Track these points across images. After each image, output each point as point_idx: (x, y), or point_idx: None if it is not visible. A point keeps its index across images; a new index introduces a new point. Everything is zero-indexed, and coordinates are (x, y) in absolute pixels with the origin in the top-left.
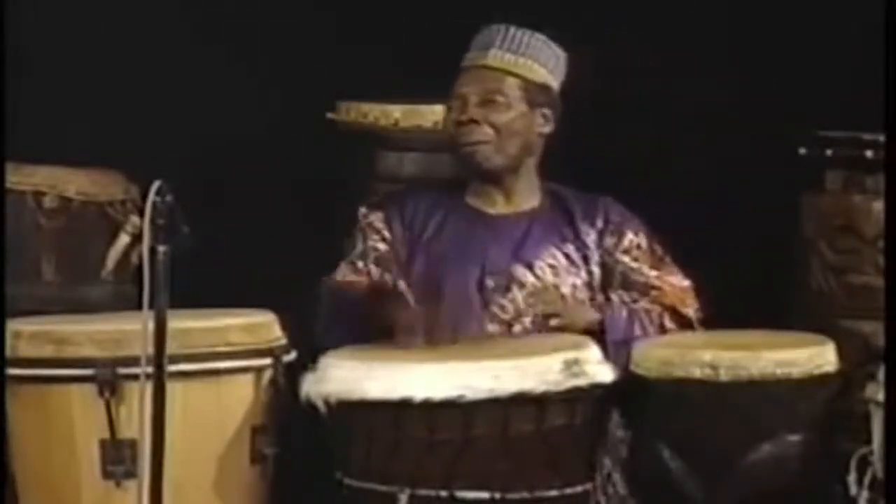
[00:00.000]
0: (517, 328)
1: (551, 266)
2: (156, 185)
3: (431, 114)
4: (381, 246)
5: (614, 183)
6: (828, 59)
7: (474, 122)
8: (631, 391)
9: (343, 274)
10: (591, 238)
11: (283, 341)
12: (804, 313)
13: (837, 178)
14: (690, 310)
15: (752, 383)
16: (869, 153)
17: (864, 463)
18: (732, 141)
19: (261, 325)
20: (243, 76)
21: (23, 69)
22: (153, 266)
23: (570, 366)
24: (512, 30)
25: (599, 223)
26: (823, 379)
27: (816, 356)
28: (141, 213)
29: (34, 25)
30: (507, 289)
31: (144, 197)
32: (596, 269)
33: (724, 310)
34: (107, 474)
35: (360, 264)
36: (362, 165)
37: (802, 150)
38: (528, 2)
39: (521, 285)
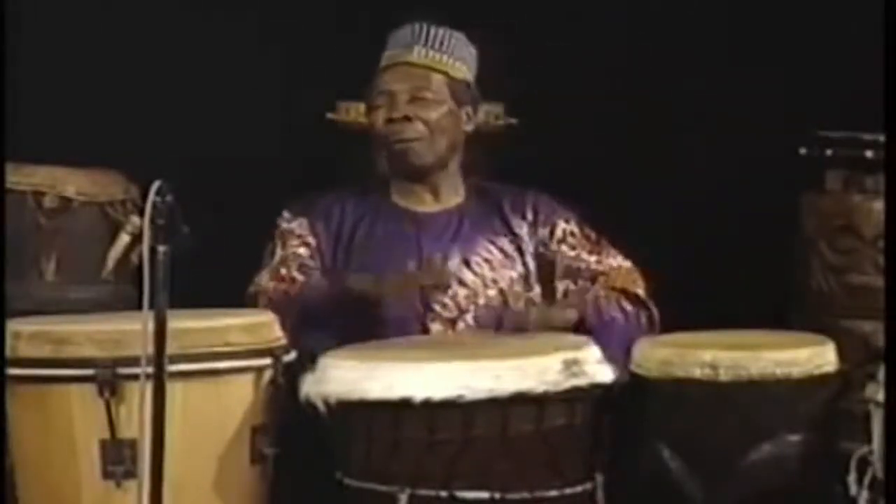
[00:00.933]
0: (461, 325)
1: (487, 261)
2: (156, 184)
3: None
4: (303, 251)
5: (613, 183)
6: (828, 58)
7: (407, 118)
8: (630, 391)
9: (266, 282)
10: (523, 230)
11: (283, 341)
12: (804, 313)
13: (837, 178)
14: (640, 289)
15: (752, 383)
16: (869, 153)
17: (864, 463)
18: (732, 141)
19: (261, 326)
20: (243, 75)
21: (22, 69)
22: (153, 266)
23: (570, 366)
24: (433, 28)
25: (529, 215)
26: (823, 379)
27: (816, 356)
28: (141, 213)
29: (33, 24)
30: (447, 286)
31: (144, 197)
32: (531, 261)
33: (725, 310)
34: (107, 474)
35: (283, 271)
36: (362, 166)
37: (802, 150)
38: (530, 2)
39: (461, 282)
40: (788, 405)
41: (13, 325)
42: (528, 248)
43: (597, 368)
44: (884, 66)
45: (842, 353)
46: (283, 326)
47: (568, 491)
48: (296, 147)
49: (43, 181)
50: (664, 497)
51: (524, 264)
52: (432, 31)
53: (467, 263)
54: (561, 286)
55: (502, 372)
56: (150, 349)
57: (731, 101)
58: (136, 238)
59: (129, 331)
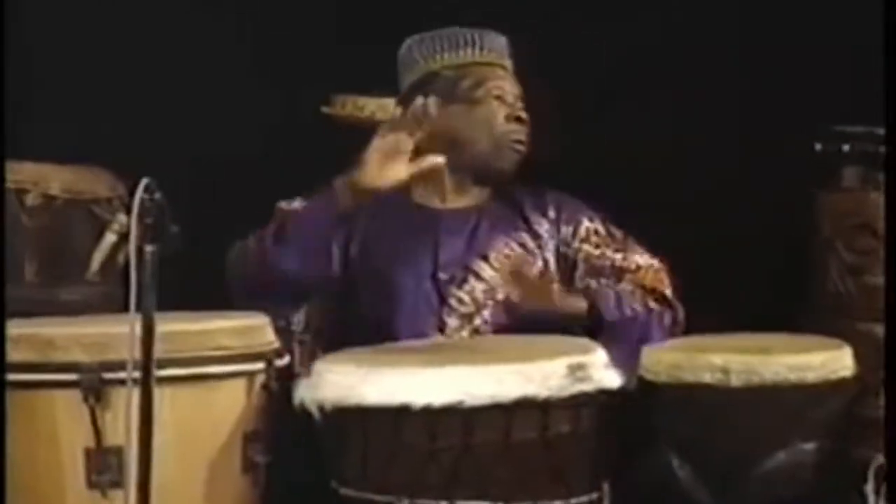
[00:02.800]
0: (477, 321)
1: (507, 256)
2: (144, 182)
3: None
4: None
5: (622, 182)
6: (845, 50)
7: (524, 121)
8: (638, 396)
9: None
10: (543, 228)
11: (276, 345)
12: (819, 315)
13: (854, 175)
14: (668, 289)
15: (765, 388)
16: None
17: (881, 471)
18: (744, 137)
19: (253, 329)
20: (237, 71)
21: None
22: (140, 266)
23: (575, 370)
24: (503, 38)
25: (551, 213)
26: (839, 384)
27: (832, 360)
28: (128, 212)
29: (18, 22)
30: (464, 280)
31: (132, 194)
32: (551, 258)
33: (737, 312)
34: (92, 484)
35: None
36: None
37: (818, 146)
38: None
39: (478, 277)
40: (802, 411)
41: None
42: (549, 246)
43: (603, 373)
44: (884, 65)
45: (858, 358)
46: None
47: (573, 501)
48: (290, 143)
49: (26, 178)
50: None
51: (545, 260)
52: (503, 40)
53: (486, 259)
54: (582, 285)
55: (505, 376)
56: (137, 353)
57: (743, 94)
58: (123, 237)
59: (116, 334)
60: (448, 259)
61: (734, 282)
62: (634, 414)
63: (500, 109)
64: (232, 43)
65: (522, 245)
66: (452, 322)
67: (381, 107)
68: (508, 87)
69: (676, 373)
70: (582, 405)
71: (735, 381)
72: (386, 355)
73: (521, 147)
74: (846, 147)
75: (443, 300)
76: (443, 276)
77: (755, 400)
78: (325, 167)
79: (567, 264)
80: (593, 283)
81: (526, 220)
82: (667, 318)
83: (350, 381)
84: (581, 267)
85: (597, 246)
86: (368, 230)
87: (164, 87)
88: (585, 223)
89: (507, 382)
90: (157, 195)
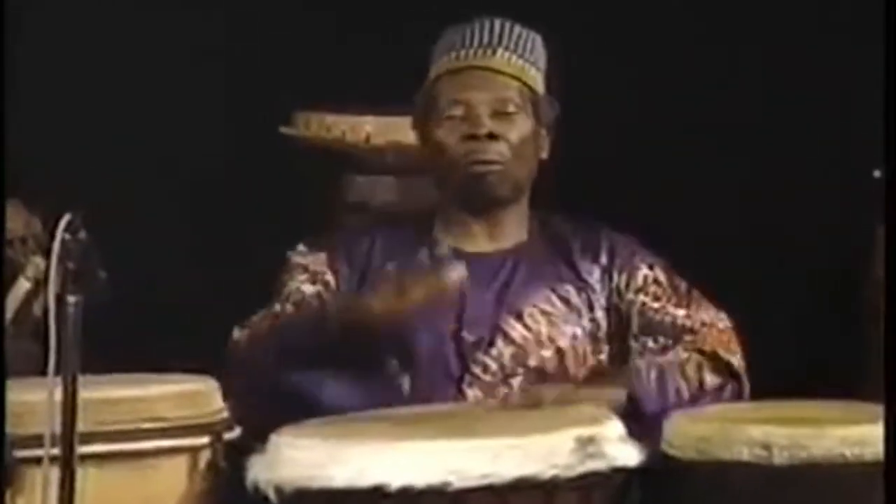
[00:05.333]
0: (503, 391)
1: (545, 313)
2: (66, 218)
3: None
4: (310, 289)
5: (654, 214)
6: None
7: (492, 136)
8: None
9: (250, 327)
10: (594, 277)
11: (225, 414)
12: (878, 377)
13: None
14: (735, 357)
15: (815, 467)
16: None
17: None
18: (791, 163)
19: (197, 395)
20: (183, 80)
21: None
22: (60, 320)
23: (585, 445)
24: (515, 27)
25: (604, 259)
26: None
27: None
28: (45, 254)
29: None
30: (491, 343)
31: (51, 233)
32: (601, 315)
33: (778, 373)
34: None
35: (277, 308)
36: (325, 193)
37: (877, 173)
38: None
39: (508, 339)
40: (859, 494)
41: None
42: (600, 299)
43: (618, 448)
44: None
45: None
46: (258, 367)
47: None
48: (245, 170)
49: None
50: None
51: (593, 319)
52: (515, 30)
53: (519, 316)
54: (637, 345)
55: (501, 452)
56: (57, 426)
57: (790, 115)
58: (40, 284)
59: (30, 402)
60: (474, 316)
61: (776, 334)
62: (656, 497)
63: (457, 129)
64: (176, 48)
65: (565, 300)
66: (473, 393)
67: (353, 127)
68: (478, 95)
69: (707, 448)
70: (593, 486)
71: (778, 458)
72: (356, 426)
73: (488, 167)
74: None
75: (465, 366)
76: (468, 336)
77: (802, 481)
78: (283, 197)
79: (619, 320)
80: (650, 343)
81: (573, 267)
82: (725, 396)
83: (314, 459)
84: (636, 322)
85: (656, 298)
86: (382, 275)
87: (88, 101)
88: (643, 270)
89: (504, 459)
90: (82, 234)
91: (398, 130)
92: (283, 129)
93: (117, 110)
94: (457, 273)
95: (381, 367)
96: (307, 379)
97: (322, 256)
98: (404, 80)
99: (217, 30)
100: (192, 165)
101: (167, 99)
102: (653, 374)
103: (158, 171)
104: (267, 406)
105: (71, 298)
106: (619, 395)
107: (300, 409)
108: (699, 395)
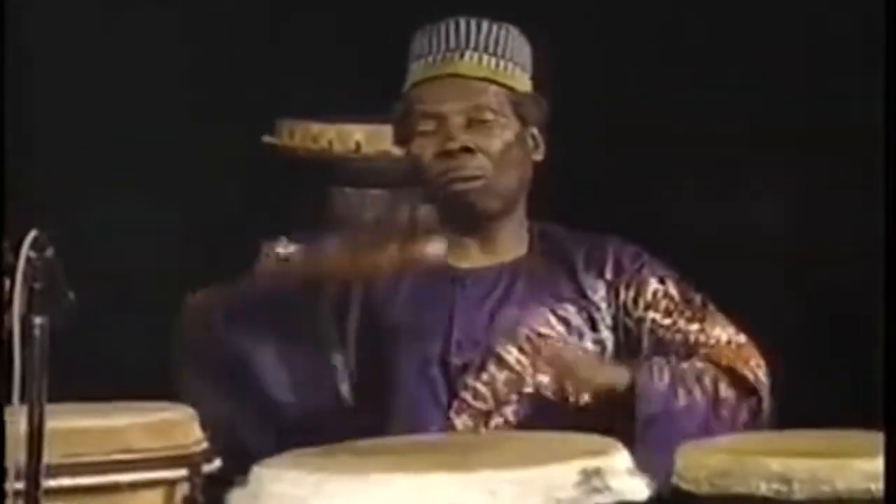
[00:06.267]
0: (496, 421)
1: (542, 336)
2: (31, 235)
3: None
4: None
5: (664, 233)
6: None
7: (468, 150)
8: None
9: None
10: (598, 294)
11: (204, 445)
12: None
13: None
14: (753, 373)
15: (839, 502)
16: None
17: None
18: (806, 175)
19: (174, 425)
20: (153, 80)
21: None
22: (26, 343)
23: (591, 477)
24: (484, 23)
25: (609, 274)
26: None
27: None
28: (9, 274)
29: None
30: (482, 368)
31: (15, 251)
32: (607, 335)
33: (799, 403)
34: None
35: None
36: (311, 207)
37: None
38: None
39: (502, 363)
40: None
41: None
42: (605, 317)
43: (626, 482)
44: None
45: None
46: (207, 323)
47: None
48: (222, 182)
49: None
50: None
51: (598, 340)
52: (484, 27)
53: (514, 338)
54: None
55: (499, 486)
56: (22, 458)
57: (810, 120)
58: (3, 306)
59: None
60: (464, 337)
61: (796, 364)
62: None
63: (430, 145)
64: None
65: (565, 321)
66: (462, 421)
67: (341, 135)
68: (450, 106)
69: (722, 481)
70: None
71: (799, 492)
72: (344, 458)
73: (467, 185)
74: None
75: (453, 393)
76: (456, 360)
77: None
78: (265, 211)
79: (628, 338)
80: (662, 364)
81: (576, 283)
82: (743, 414)
83: (298, 493)
84: (646, 342)
85: (667, 313)
86: (370, 293)
87: (56, 110)
88: (653, 284)
89: (502, 494)
90: (49, 252)
91: (389, 139)
92: (267, 139)
93: (93, 120)
94: (433, 249)
95: (316, 336)
96: (245, 341)
97: (301, 249)
98: (392, 86)
99: (195, 38)
100: (166, 180)
101: (138, 109)
102: (665, 375)
103: (132, 183)
104: (211, 377)
105: (37, 320)
106: (625, 378)
107: (236, 381)
108: (716, 406)
